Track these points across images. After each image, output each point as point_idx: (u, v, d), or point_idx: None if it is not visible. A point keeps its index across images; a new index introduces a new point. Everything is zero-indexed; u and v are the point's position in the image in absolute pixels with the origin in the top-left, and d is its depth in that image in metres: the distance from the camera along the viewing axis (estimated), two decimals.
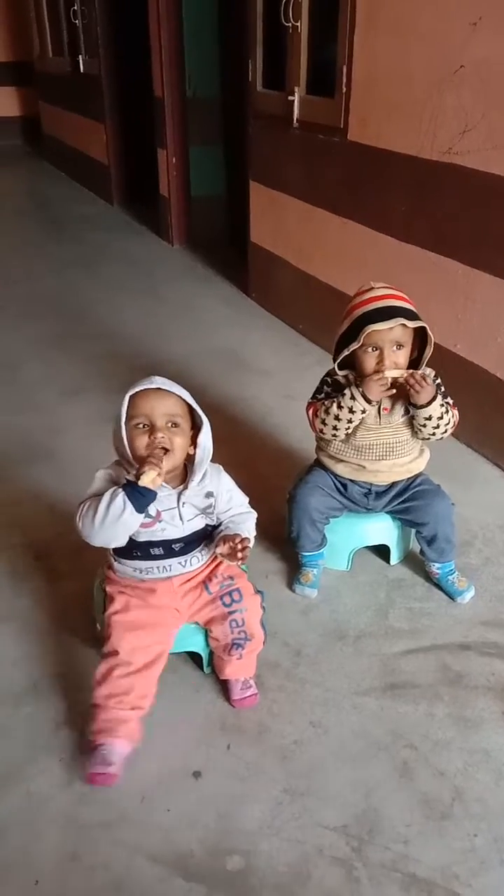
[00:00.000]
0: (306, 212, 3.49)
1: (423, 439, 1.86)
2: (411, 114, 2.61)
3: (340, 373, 1.82)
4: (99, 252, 5.21)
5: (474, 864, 1.35)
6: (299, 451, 2.53)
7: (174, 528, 1.55)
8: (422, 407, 1.74)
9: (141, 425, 1.47)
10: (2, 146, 9.27)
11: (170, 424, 1.47)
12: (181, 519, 1.55)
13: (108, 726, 1.47)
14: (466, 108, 2.35)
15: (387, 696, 1.69)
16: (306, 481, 1.93)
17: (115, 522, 1.44)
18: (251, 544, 1.57)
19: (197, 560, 1.62)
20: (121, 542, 1.51)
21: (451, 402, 1.82)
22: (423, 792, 1.47)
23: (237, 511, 1.65)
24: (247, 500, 1.68)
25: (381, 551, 2.10)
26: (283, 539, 2.12)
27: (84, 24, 6.18)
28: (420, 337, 1.76)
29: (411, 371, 1.73)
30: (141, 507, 1.45)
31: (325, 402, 1.83)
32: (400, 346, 1.72)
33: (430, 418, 1.76)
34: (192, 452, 1.53)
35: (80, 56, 6.40)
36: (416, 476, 1.94)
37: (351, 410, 1.77)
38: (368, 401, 1.75)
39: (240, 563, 1.55)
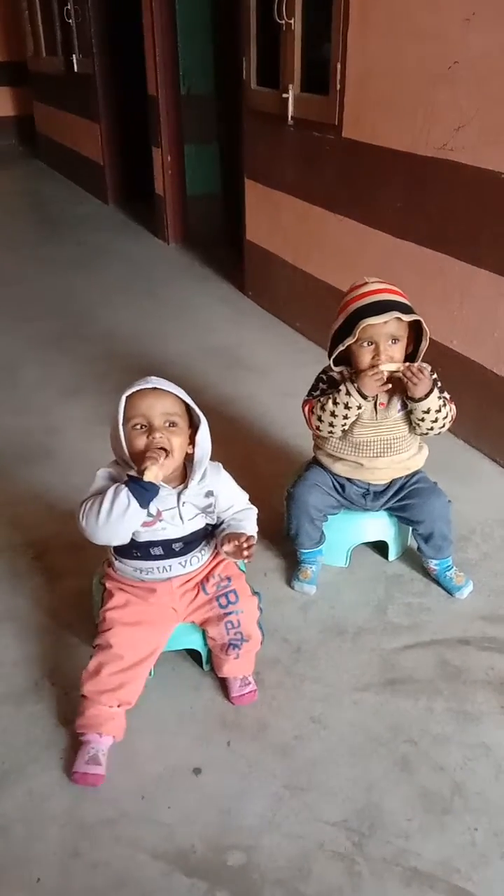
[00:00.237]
0: (302, 209, 3.49)
1: (422, 434, 1.86)
2: (406, 110, 2.61)
3: (336, 369, 1.82)
4: (95, 252, 5.20)
5: (475, 857, 1.36)
6: (297, 449, 2.54)
7: (174, 527, 1.55)
8: (420, 400, 1.74)
9: (139, 426, 1.46)
10: None
11: (168, 424, 1.47)
12: (181, 518, 1.55)
13: (96, 721, 1.49)
14: (461, 103, 2.35)
15: (386, 691, 1.69)
16: (305, 479, 1.93)
17: (119, 519, 1.44)
18: (255, 542, 1.57)
19: (197, 560, 1.62)
20: (123, 539, 1.51)
21: (447, 396, 1.82)
22: (423, 786, 1.48)
23: (238, 508, 1.65)
24: (246, 496, 1.68)
25: (380, 547, 2.10)
26: (282, 536, 2.13)
27: (77, 23, 6.17)
28: (415, 331, 1.76)
29: (408, 364, 1.73)
30: (145, 501, 1.45)
31: (321, 399, 1.83)
32: (395, 339, 1.72)
33: (428, 411, 1.76)
34: (190, 451, 1.53)
35: (74, 55, 6.39)
36: (413, 474, 1.94)
37: (346, 406, 1.77)
38: (364, 396, 1.76)
39: (246, 560, 1.55)
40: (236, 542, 1.53)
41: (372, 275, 1.82)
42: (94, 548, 1.58)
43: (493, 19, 2.18)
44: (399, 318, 1.68)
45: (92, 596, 1.78)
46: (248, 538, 1.54)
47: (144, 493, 1.44)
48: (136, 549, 1.56)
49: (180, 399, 1.50)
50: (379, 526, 2.03)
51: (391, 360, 1.72)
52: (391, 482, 1.93)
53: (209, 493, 1.58)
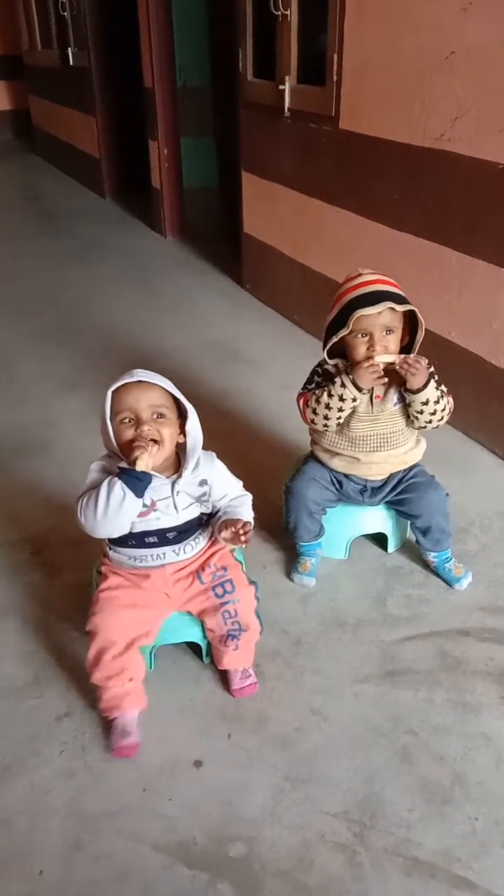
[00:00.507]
0: (299, 201, 3.48)
1: (420, 428, 1.85)
2: (403, 101, 2.60)
3: (331, 362, 1.81)
4: (92, 245, 5.19)
5: (475, 847, 1.36)
6: (295, 442, 2.54)
7: (169, 516, 1.56)
8: (418, 391, 1.74)
9: (127, 420, 1.48)
10: None
11: (155, 416, 1.48)
12: (176, 508, 1.56)
13: (115, 703, 1.54)
14: (458, 94, 2.34)
15: (386, 682, 1.69)
16: (303, 473, 1.93)
17: (116, 511, 1.45)
18: (252, 527, 1.58)
19: (191, 548, 1.63)
20: (123, 530, 1.52)
21: (444, 389, 1.82)
22: (423, 777, 1.48)
23: (233, 496, 1.66)
24: (241, 483, 1.69)
25: (379, 539, 2.10)
26: (281, 529, 2.13)
27: (73, 16, 6.13)
28: (411, 323, 1.75)
29: (403, 356, 1.72)
30: (139, 491, 1.46)
31: (316, 392, 1.82)
32: (390, 330, 1.71)
33: (426, 403, 1.76)
34: (182, 441, 1.54)
35: (70, 48, 6.36)
36: (411, 467, 1.93)
37: (341, 399, 1.76)
38: (359, 388, 1.75)
39: (244, 546, 1.56)
40: (233, 528, 1.54)
41: (370, 266, 1.81)
42: (92, 542, 1.58)
43: (491, 8, 2.17)
44: (393, 309, 1.68)
45: (90, 590, 1.77)
46: (245, 524, 1.55)
47: (138, 482, 1.45)
48: (131, 538, 1.57)
49: (167, 391, 1.50)
50: (378, 518, 2.03)
51: (386, 350, 1.71)
52: (389, 478, 1.93)
53: (203, 482, 1.59)
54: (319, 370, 1.87)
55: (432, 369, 1.79)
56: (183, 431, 1.53)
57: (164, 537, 1.58)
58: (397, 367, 1.71)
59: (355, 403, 1.78)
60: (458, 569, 1.97)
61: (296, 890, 1.30)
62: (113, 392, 1.48)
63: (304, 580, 1.98)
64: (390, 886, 1.30)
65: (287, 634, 1.83)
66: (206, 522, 1.66)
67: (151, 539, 1.57)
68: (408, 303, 1.69)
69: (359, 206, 3.04)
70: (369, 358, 1.71)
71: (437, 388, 1.76)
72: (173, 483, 1.55)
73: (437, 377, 1.79)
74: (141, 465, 1.43)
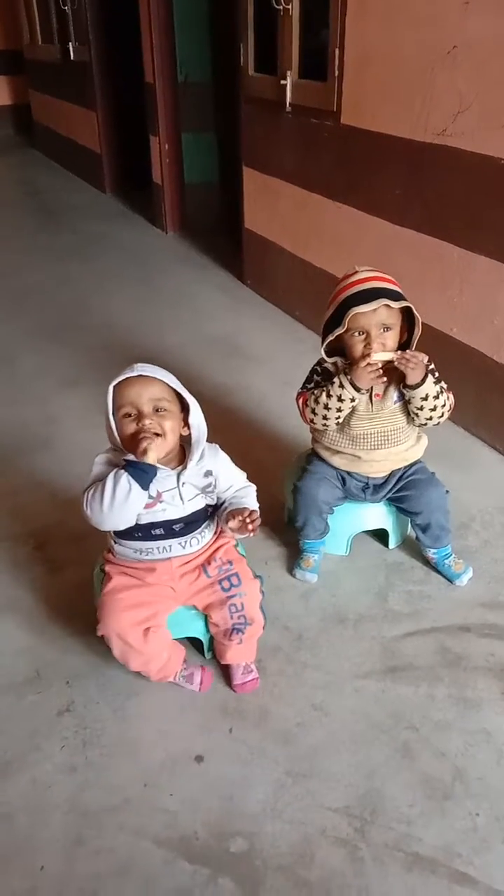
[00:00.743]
0: (300, 197, 3.47)
1: (421, 425, 1.85)
2: (404, 96, 2.59)
3: (329, 360, 1.81)
4: (92, 241, 5.18)
5: (476, 842, 1.36)
6: (296, 438, 2.53)
7: (175, 508, 1.56)
8: (416, 387, 1.73)
9: (128, 414, 1.48)
10: None
11: (156, 410, 1.49)
12: (181, 499, 1.56)
13: (164, 672, 1.63)
14: (460, 88, 2.33)
15: (387, 678, 1.70)
16: (313, 473, 1.92)
17: (122, 503, 1.46)
18: (258, 515, 1.58)
19: (196, 542, 1.63)
20: (129, 522, 1.52)
21: (444, 386, 1.81)
22: (424, 772, 1.49)
23: (238, 487, 1.66)
24: (244, 475, 1.69)
25: (380, 535, 2.10)
26: (283, 525, 2.13)
27: (73, 11, 6.11)
28: (409, 320, 1.75)
29: (401, 352, 1.71)
30: (145, 483, 1.47)
31: (315, 392, 1.81)
32: (387, 328, 1.70)
33: (426, 399, 1.75)
34: (186, 433, 1.54)
35: (70, 43, 6.33)
36: (412, 464, 1.93)
37: (340, 399, 1.76)
38: (357, 389, 1.74)
39: (250, 535, 1.57)
40: (240, 518, 1.55)
41: (371, 262, 1.81)
42: (94, 538, 1.58)
43: (493, 3, 2.16)
44: (388, 306, 1.67)
45: (93, 586, 1.78)
46: (252, 512, 1.56)
47: (143, 475, 1.46)
48: (137, 531, 1.57)
49: (168, 384, 1.51)
50: (379, 514, 2.03)
51: (383, 347, 1.70)
52: (390, 475, 1.92)
53: (208, 473, 1.59)
54: (318, 369, 1.86)
55: (432, 366, 1.79)
56: (187, 424, 1.53)
57: (171, 529, 1.58)
58: (396, 362, 1.70)
59: (354, 403, 1.78)
60: (458, 565, 1.97)
61: (297, 885, 1.30)
62: (114, 387, 1.49)
63: (307, 576, 1.98)
64: (391, 881, 1.31)
65: (288, 630, 1.83)
66: (212, 516, 1.66)
67: (158, 531, 1.57)
68: (404, 299, 1.68)
69: (360, 202, 3.03)
70: (366, 356, 1.70)
71: (435, 384, 1.76)
72: (178, 474, 1.55)
73: (436, 373, 1.79)
74: (149, 458, 1.44)
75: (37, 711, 1.62)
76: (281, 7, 3.23)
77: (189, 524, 1.59)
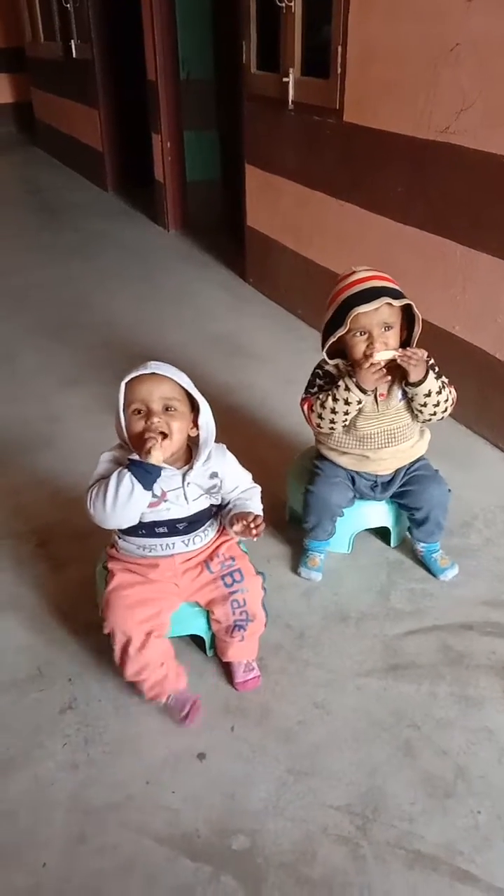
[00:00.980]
0: (303, 195, 3.47)
1: (425, 421, 1.84)
2: (407, 93, 2.59)
3: (331, 362, 1.80)
4: (94, 239, 5.18)
5: (478, 840, 1.36)
6: (298, 436, 2.53)
7: (179, 507, 1.56)
8: (418, 384, 1.73)
9: (138, 411, 1.49)
10: None
11: (167, 409, 1.49)
12: (186, 499, 1.56)
13: (157, 690, 1.57)
14: (463, 86, 2.33)
15: (389, 676, 1.70)
16: (325, 476, 1.90)
17: (126, 502, 1.46)
18: (262, 520, 1.58)
19: (200, 539, 1.63)
20: (132, 521, 1.53)
21: (446, 380, 1.81)
22: (426, 770, 1.49)
23: (243, 488, 1.66)
24: (250, 475, 1.69)
25: (382, 533, 2.10)
26: (284, 523, 2.13)
27: (76, 8, 6.11)
28: (408, 318, 1.74)
29: (402, 349, 1.71)
30: (148, 483, 1.47)
31: (320, 397, 1.81)
32: (388, 326, 1.70)
33: (429, 395, 1.75)
34: (194, 434, 1.55)
35: (73, 41, 6.33)
36: (416, 461, 1.93)
37: (346, 402, 1.75)
38: (363, 391, 1.74)
39: (255, 539, 1.57)
40: (245, 522, 1.55)
41: (373, 260, 1.81)
42: (97, 536, 1.58)
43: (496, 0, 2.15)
44: (389, 304, 1.67)
45: (95, 583, 1.78)
46: (256, 517, 1.56)
47: (147, 475, 1.46)
48: (141, 528, 1.57)
49: (180, 384, 1.50)
50: (381, 512, 2.03)
51: (385, 346, 1.70)
52: (397, 471, 1.92)
53: (214, 475, 1.59)
54: (320, 371, 1.85)
55: (432, 361, 1.78)
56: (196, 425, 1.54)
57: (175, 527, 1.58)
58: (398, 360, 1.70)
59: (360, 405, 1.78)
60: (445, 560, 1.97)
61: (298, 882, 1.31)
62: (127, 383, 1.49)
63: (313, 575, 1.98)
64: (393, 879, 1.31)
65: (290, 628, 1.83)
66: (216, 514, 1.66)
67: (161, 529, 1.57)
68: (404, 297, 1.68)
69: (363, 200, 3.03)
70: (368, 356, 1.70)
71: (437, 379, 1.76)
72: (184, 474, 1.55)
73: (436, 368, 1.78)
74: (153, 459, 1.44)
75: (39, 709, 1.63)
76: (283, 4, 3.22)
77: (193, 523, 1.60)
